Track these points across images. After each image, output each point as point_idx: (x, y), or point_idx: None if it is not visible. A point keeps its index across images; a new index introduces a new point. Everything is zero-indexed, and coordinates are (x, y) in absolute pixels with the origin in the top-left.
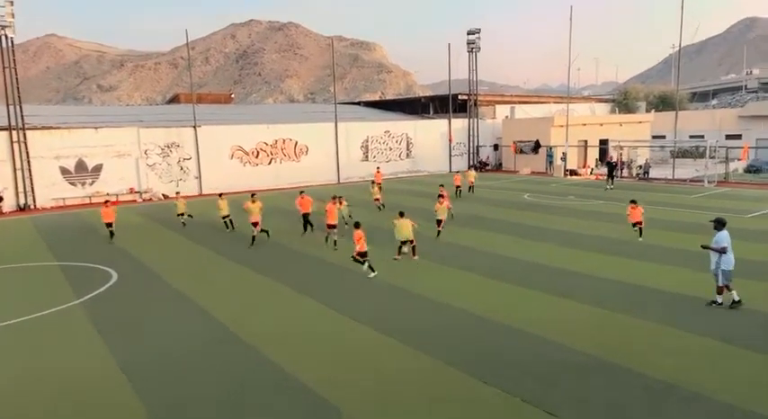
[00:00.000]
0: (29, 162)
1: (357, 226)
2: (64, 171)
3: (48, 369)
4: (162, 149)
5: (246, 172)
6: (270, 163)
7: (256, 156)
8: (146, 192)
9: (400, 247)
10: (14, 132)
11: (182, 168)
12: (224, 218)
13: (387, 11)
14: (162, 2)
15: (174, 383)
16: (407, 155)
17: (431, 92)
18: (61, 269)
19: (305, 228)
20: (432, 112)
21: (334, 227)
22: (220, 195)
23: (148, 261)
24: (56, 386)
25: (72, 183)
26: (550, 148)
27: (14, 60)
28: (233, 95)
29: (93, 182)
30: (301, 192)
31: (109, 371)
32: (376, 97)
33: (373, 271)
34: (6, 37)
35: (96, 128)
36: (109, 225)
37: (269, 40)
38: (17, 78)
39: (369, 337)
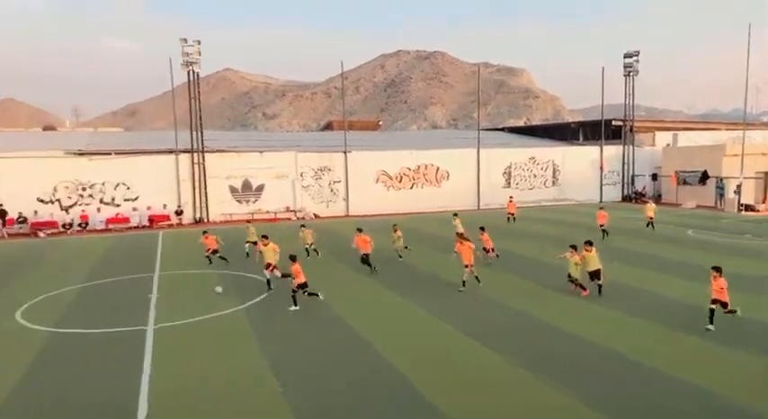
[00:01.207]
0: (205, 181)
1: (293, 259)
2: (232, 189)
3: (212, 363)
4: (315, 172)
5: (390, 196)
6: (412, 187)
7: (399, 181)
8: (300, 211)
9: (591, 279)
10: (195, 155)
11: (332, 190)
12: (309, 245)
13: (535, 36)
14: (320, 36)
15: (315, 386)
16: (553, 182)
17: (581, 117)
18: (227, 277)
19: (370, 266)
20: (581, 139)
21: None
22: (303, 226)
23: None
24: (215, 380)
25: (238, 201)
26: (721, 180)
27: (198, 92)
28: (380, 122)
29: (255, 200)
30: (359, 230)
31: (260, 372)
32: (521, 123)
33: (296, 305)
34: (193, 72)
35: (261, 152)
36: (215, 252)
37: (415, 69)
38: (200, 108)
39: (512, 370)
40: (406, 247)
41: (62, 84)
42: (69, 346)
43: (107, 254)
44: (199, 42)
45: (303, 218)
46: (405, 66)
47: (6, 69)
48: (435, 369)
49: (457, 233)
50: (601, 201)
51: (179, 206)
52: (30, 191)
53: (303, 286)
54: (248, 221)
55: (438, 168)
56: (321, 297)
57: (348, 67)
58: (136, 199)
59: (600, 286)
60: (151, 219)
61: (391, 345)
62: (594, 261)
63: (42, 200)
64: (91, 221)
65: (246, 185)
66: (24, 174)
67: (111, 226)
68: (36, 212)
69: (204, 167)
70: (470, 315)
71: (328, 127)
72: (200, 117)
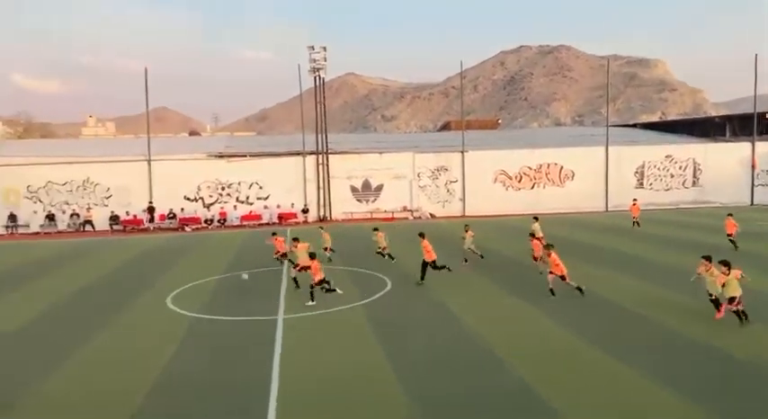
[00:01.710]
0: (328, 181)
1: (312, 257)
2: (353, 189)
3: (335, 352)
4: (432, 172)
5: (508, 196)
6: (532, 187)
7: (519, 181)
8: (416, 211)
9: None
10: (320, 156)
11: (448, 190)
12: (379, 250)
13: (673, 24)
14: (438, 37)
15: (428, 380)
16: (694, 183)
17: (726, 111)
18: (348, 273)
19: (439, 268)
20: (728, 134)
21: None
22: (376, 229)
23: (416, 272)
24: (338, 368)
25: (358, 200)
26: None
27: (324, 96)
28: (499, 121)
29: (374, 199)
30: (422, 235)
31: (378, 362)
32: (654, 118)
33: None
34: (319, 77)
35: (380, 153)
36: (283, 255)
37: (537, 65)
38: (325, 112)
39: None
40: (481, 256)
41: (205, 93)
42: (210, 331)
43: (242, 248)
44: (325, 48)
45: (419, 218)
46: (526, 62)
47: (161, 81)
48: (554, 371)
49: (534, 235)
50: (752, 204)
51: (305, 205)
52: (178, 189)
53: (321, 282)
54: (321, 227)
55: (562, 167)
56: (340, 292)
57: (466, 66)
58: (267, 198)
59: (739, 312)
60: (280, 217)
61: (507, 346)
62: (733, 285)
63: (188, 198)
64: (228, 218)
65: (366, 185)
66: (174, 175)
67: (245, 222)
68: (183, 209)
69: (328, 168)
70: (577, 316)
71: (446, 127)
72: (325, 120)
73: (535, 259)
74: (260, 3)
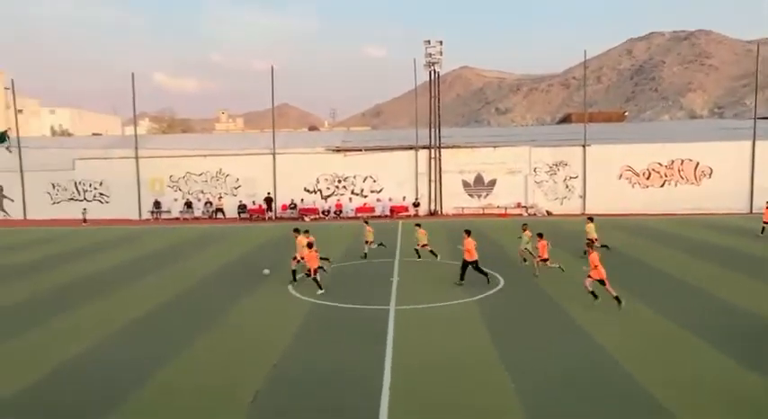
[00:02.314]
0: (440, 175)
1: (310, 246)
2: (465, 184)
3: (446, 345)
4: (550, 168)
5: (634, 193)
6: (663, 185)
7: (647, 178)
8: (531, 208)
9: None
10: (432, 150)
11: (567, 186)
12: (422, 246)
13: None
14: (559, 26)
15: (540, 377)
16: None
17: None
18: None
19: (483, 273)
20: None
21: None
22: (418, 225)
23: (529, 270)
24: (449, 360)
25: (470, 195)
26: None
27: (438, 91)
28: (626, 113)
29: (487, 195)
30: (468, 232)
31: (489, 358)
32: None
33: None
34: (434, 71)
35: (494, 147)
36: (320, 266)
37: (670, 52)
38: (439, 106)
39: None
40: (543, 263)
41: (323, 89)
42: (327, 316)
43: (357, 239)
44: (441, 43)
45: (534, 215)
46: (657, 50)
47: (283, 78)
48: (666, 372)
49: (588, 239)
50: None
51: (416, 198)
52: (298, 181)
53: (315, 271)
54: (365, 221)
55: (698, 164)
56: (321, 292)
57: (590, 55)
58: (380, 191)
59: None
60: (392, 210)
61: (621, 348)
62: None
63: (308, 190)
64: (344, 209)
65: (479, 180)
66: (295, 168)
67: (359, 214)
68: (302, 200)
69: (440, 162)
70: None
71: (565, 120)
72: (439, 114)
73: (544, 260)
74: (377, 1)
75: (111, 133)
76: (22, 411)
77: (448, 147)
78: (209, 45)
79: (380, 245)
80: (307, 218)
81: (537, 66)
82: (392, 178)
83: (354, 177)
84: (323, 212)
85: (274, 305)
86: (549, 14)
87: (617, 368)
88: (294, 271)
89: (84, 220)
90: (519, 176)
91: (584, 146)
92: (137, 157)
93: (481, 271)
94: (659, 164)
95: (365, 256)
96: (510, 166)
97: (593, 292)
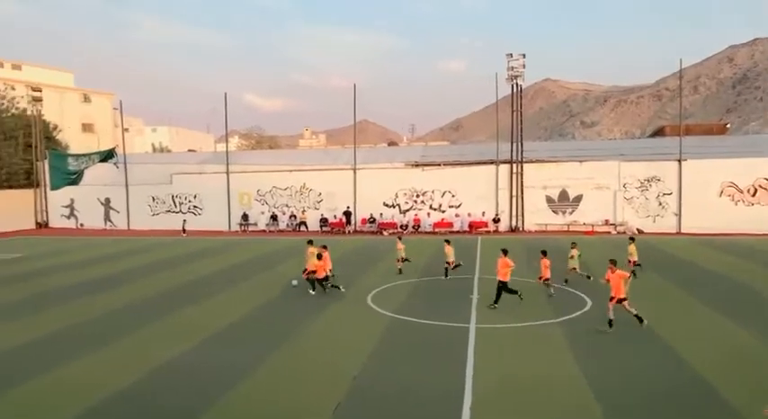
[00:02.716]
0: (522, 190)
1: (319, 258)
2: (548, 199)
3: (529, 365)
4: (641, 183)
5: (737, 211)
6: None
7: (753, 195)
8: (620, 225)
9: None
10: (514, 165)
11: (660, 203)
12: (447, 264)
13: None
14: (651, 35)
15: (626, 401)
16: None
17: None
18: (542, 289)
19: (512, 292)
20: None
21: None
22: (447, 241)
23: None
24: (532, 381)
25: (554, 211)
26: None
27: (521, 104)
28: (727, 125)
29: (572, 211)
30: (504, 251)
31: (575, 380)
32: None
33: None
34: (517, 85)
35: (580, 161)
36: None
37: None
38: (521, 119)
39: None
40: (588, 277)
41: (402, 105)
42: (405, 332)
43: (435, 255)
44: (524, 55)
45: (624, 233)
46: (762, 57)
47: (363, 95)
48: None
49: (545, 253)
50: None
51: (497, 214)
52: (378, 196)
53: (323, 280)
54: (399, 237)
55: None
56: (312, 292)
57: (685, 64)
58: (459, 206)
59: None
60: (471, 225)
61: (723, 375)
62: None
63: (387, 204)
64: (422, 224)
65: (563, 195)
66: (375, 182)
67: (437, 229)
68: (381, 214)
69: (522, 177)
70: None
71: (658, 133)
72: (521, 128)
73: (543, 280)
74: (455, 15)
75: (205, 150)
76: (116, 412)
77: (531, 162)
78: (295, 65)
79: (457, 266)
80: (385, 233)
81: (626, 77)
82: (471, 193)
83: (433, 192)
84: (401, 227)
85: (354, 317)
86: (639, 22)
87: (709, 392)
88: (321, 281)
89: (184, 231)
90: (607, 192)
91: (679, 160)
92: (227, 172)
93: (511, 291)
94: (767, 180)
95: (400, 272)
96: (597, 182)
97: (610, 321)
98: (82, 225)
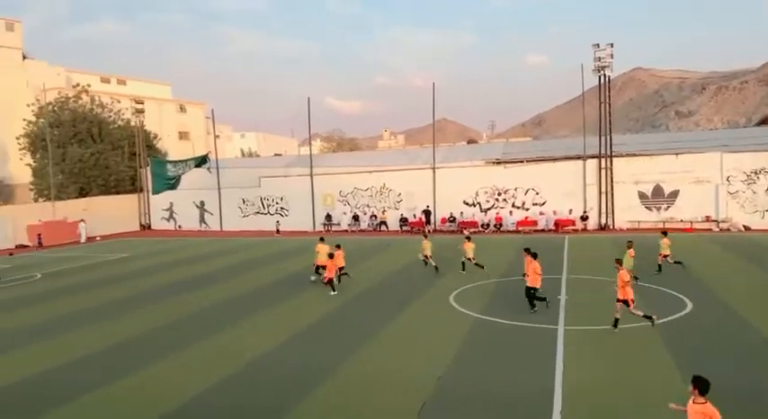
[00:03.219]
0: (611, 186)
1: (330, 257)
2: (641, 195)
3: (622, 370)
4: (747, 176)
5: None
6: None
7: None
8: (723, 222)
9: None
10: (603, 160)
11: None
12: (425, 258)
13: None
14: (757, 16)
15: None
16: None
17: None
18: (637, 288)
19: (532, 305)
20: None
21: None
22: (425, 236)
23: (723, 293)
24: (625, 387)
25: (647, 208)
26: None
27: (609, 96)
28: None
29: (668, 207)
30: (533, 255)
31: (674, 386)
32: None
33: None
34: (605, 76)
35: (676, 154)
36: (340, 268)
37: None
38: (609, 112)
39: None
40: (636, 278)
41: (481, 102)
42: (490, 332)
43: (519, 254)
44: (611, 45)
45: (728, 230)
46: None
47: (442, 94)
48: None
49: (528, 250)
50: None
51: (584, 211)
52: (457, 195)
53: (330, 280)
54: (424, 235)
55: None
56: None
57: None
58: (543, 203)
59: None
60: (557, 223)
61: None
62: None
63: (467, 203)
64: (504, 223)
65: (658, 191)
66: (454, 181)
67: (520, 228)
68: (462, 213)
69: (611, 172)
70: None
71: (766, 121)
72: (610, 121)
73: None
74: (536, 8)
75: (289, 153)
76: (211, 406)
77: (620, 156)
78: (373, 67)
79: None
80: (466, 232)
81: (726, 62)
82: (557, 190)
83: (515, 190)
84: (482, 225)
85: (436, 317)
86: (740, 2)
87: None
88: (329, 281)
89: (278, 231)
90: (708, 186)
91: None
92: (311, 175)
93: (539, 299)
94: None
95: (426, 264)
96: (696, 175)
97: (616, 320)
98: (180, 226)
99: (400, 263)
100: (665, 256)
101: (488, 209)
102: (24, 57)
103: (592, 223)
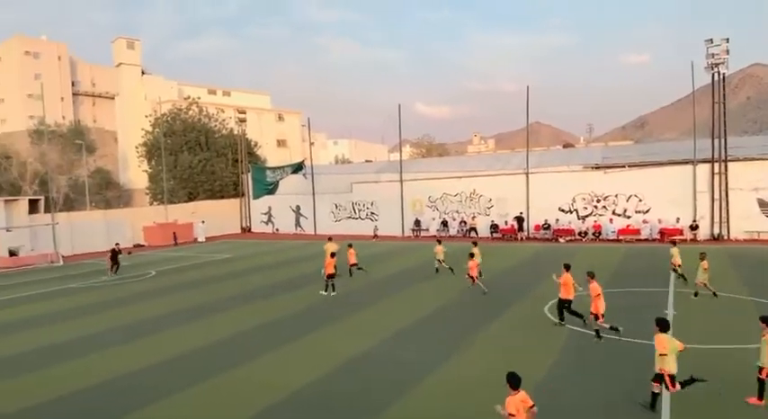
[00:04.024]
0: (726, 193)
1: (332, 255)
2: (761, 203)
3: (740, 400)
4: None
5: None
6: None
7: None
8: None
9: None
10: (716, 164)
11: None
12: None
13: None
14: None
15: None
16: None
17: None
18: (754, 305)
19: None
20: None
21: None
22: (439, 242)
23: None
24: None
25: None
26: None
27: (724, 95)
28: None
29: None
30: (567, 268)
31: None
32: None
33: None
34: (719, 73)
35: None
36: (353, 264)
37: None
38: (724, 112)
39: None
40: (714, 294)
41: (577, 105)
42: (589, 344)
43: (620, 264)
44: (727, 40)
45: None
46: None
47: (536, 97)
48: None
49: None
50: None
51: (694, 220)
52: (553, 201)
53: (330, 277)
54: (438, 241)
55: None
56: (323, 293)
57: None
58: (647, 211)
59: None
60: (662, 233)
61: None
62: None
63: (563, 210)
64: (603, 231)
65: None
66: (549, 187)
67: (621, 236)
68: (557, 220)
69: (726, 178)
70: None
71: None
72: (725, 122)
73: (470, 278)
74: (634, 3)
75: (380, 159)
76: (305, 401)
77: (737, 160)
78: (461, 72)
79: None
80: (561, 240)
81: None
82: (662, 197)
83: (616, 196)
84: (579, 233)
85: (530, 327)
86: None
87: None
88: (329, 277)
89: (375, 236)
90: None
91: None
92: (401, 180)
93: (572, 313)
94: None
95: (437, 270)
96: None
97: (597, 331)
98: (277, 230)
99: (490, 272)
100: (678, 266)
101: (586, 216)
102: (143, 73)
103: (703, 233)
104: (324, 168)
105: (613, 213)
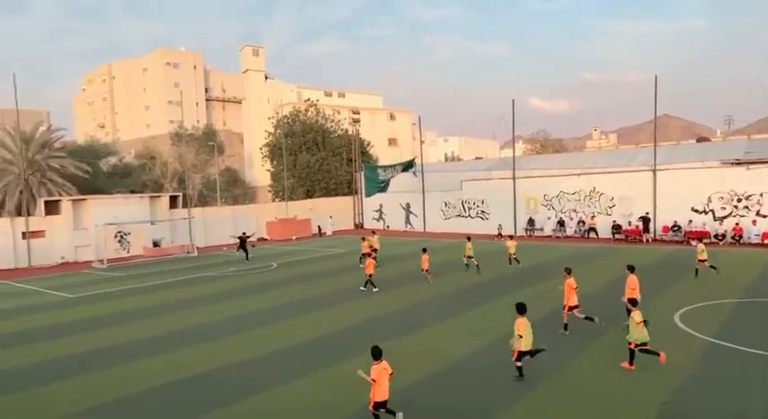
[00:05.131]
0: None
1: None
2: None
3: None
4: None
5: None
6: None
7: None
8: None
9: None
10: None
11: None
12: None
13: None
14: None
15: None
16: None
17: None
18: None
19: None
20: None
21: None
22: (468, 239)
23: None
24: None
25: None
26: None
27: None
28: None
29: None
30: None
31: None
32: None
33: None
34: None
35: None
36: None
37: None
38: None
39: None
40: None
41: (712, 95)
42: (728, 359)
43: (766, 271)
44: None
45: None
46: None
47: (663, 88)
48: None
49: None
50: None
51: None
52: (684, 200)
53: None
54: (468, 238)
55: None
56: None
57: None
58: None
59: None
60: None
61: None
62: None
63: (696, 210)
64: (745, 234)
65: None
66: (680, 185)
67: (766, 240)
68: (690, 221)
69: None
70: None
71: None
72: None
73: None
74: None
75: (491, 156)
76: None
77: None
78: (579, 64)
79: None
80: (693, 243)
81: None
82: None
83: (761, 195)
84: (716, 236)
85: (660, 337)
86: None
87: None
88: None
89: (500, 235)
90: None
91: None
92: (514, 178)
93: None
94: None
95: (467, 268)
96: None
97: (565, 325)
98: (388, 226)
99: (609, 276)
100: (701, 261)
101: (725, 217)
102: (266, 78)
103: None
104: (434, 166)
105: (757, 214)
